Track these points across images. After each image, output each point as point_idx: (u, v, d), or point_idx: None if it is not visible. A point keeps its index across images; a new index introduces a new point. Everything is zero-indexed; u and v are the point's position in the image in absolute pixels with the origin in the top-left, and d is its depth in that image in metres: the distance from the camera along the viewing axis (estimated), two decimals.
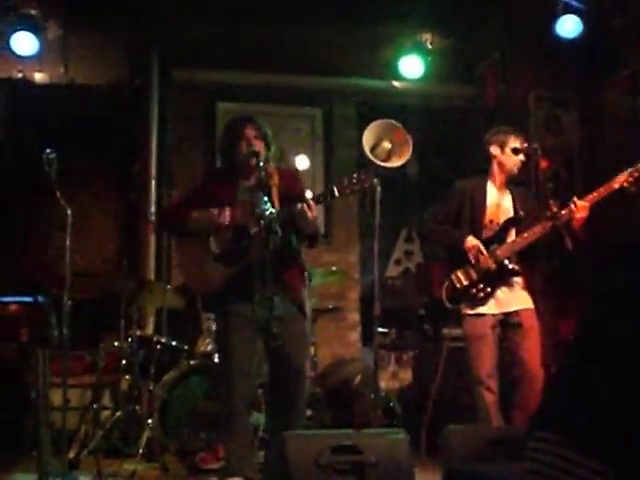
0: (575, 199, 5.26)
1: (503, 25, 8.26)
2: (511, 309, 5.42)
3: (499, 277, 5.42)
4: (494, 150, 5.60)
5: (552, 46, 7.76)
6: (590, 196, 5.26)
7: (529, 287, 5.53)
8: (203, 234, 4.84)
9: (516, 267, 5.40)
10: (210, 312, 5.82)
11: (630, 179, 5.22)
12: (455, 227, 5.60)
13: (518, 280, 5.48)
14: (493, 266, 5.39)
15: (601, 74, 8.17)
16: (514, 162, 5.56)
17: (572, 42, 7.58)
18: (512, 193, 5.61)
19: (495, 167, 5.61)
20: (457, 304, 5.49)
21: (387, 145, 5.66)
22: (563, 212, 5.27)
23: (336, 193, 4.68)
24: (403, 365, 7.71)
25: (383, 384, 7.15)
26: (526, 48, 8.38)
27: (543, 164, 5.92)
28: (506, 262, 5.40)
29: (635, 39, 7.66)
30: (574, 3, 7.45)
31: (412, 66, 8.12)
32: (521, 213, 5.47)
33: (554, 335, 6.23)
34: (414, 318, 7.99)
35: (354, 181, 4.66)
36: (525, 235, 5.39)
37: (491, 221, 5.52)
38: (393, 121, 5.73)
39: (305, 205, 4.60)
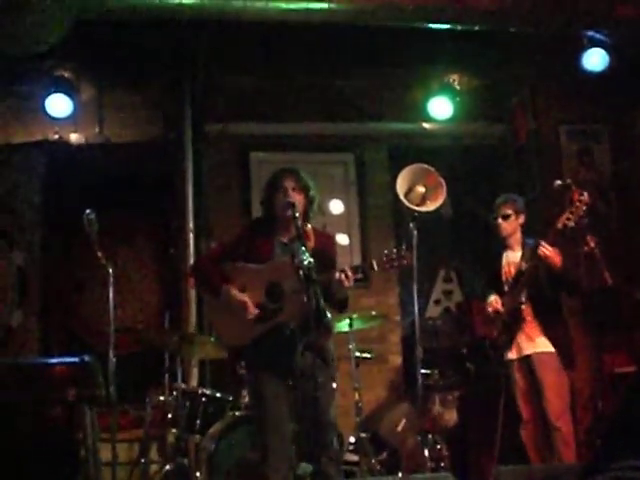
0: (541, 245, 5.68)
1: (530, 61, 8.29)
2: (527, 352, 5.98)
3: (513, 324, 5.98)
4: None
5: (580, 80, 7.78)
6: (548, 240, 5.70)
7: (549, 332, 5.94)
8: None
9: (521, 314, 5.93)
10: (239, 364, 5.85)
11: (569, 216, 5.58)
12: None
13: (534, 326, 5.95)
14: (506, 316, 6.00)
15: (631, 105, 8.18)
16: (495, 227, 6.17)
17: (600, 75, 7.59)
18: (523, 249, 6.06)
19: None
20: (496, 351, 6.14)
21: (421, 189, 5.73)
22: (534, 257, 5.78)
23: (375, 267, 4.76)
24: (448, 406, 7.66)
25: (429, 426, 7.12)
26: (554, 83, 8.42)
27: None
28: (515, 311, 5.95)
29: None
30: (599, 36, 7.46)
31: (441, 107, 8.15)
32: (524, 265, 5.90)
33: (598, 369, 6.21)
34: (456, 358, 7.97)
35: (394, 257, 4.73)
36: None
37: (507, 279, 6.11)
38: (425, 165, 5.79)
39: (343, 275, 4.65)
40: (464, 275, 8.77)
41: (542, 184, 7.78)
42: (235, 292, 4.84)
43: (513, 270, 6.02)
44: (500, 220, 6.07)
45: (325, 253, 4.89)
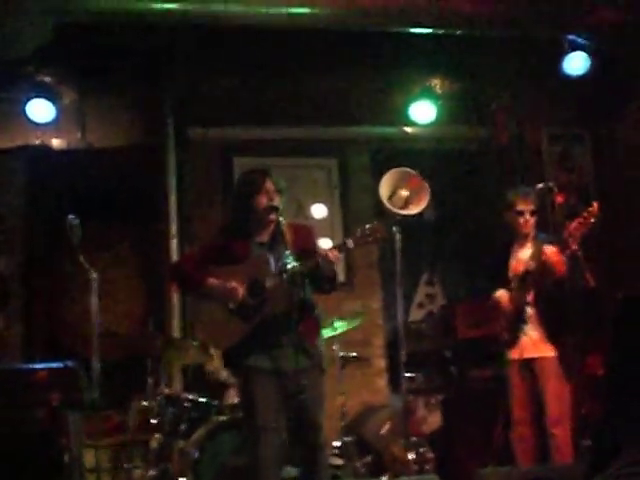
0: (544, 251, 5.68)
1: (511, 65, 8.32)
2: (530, 356, 5.86)
3: (518, 323, 5.86)
4: (505, 213, 6.08)
5: (561, 83, 7.82)
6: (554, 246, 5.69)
7: (552, 334, 5.84)
8: (215, 299, 4.89)
9: (525, 314, 5.85)
10: (229, 367, 5.81)
11: (577, 226, 5.52)
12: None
13: (539, 329, 5.86)
14: (511, 315, 5.89)
15: (612, 108, 8.23)
16: (519, 223, 5.97)
17: (581, 78, 7.63)
18: (534, 245, 5.91)
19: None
20: (500, 348, 6.02)
21: (404, 193, 5.73)
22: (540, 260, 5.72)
23: (350, 245, 4.75)
24: (432, 409, 7.68)
25: (413, 429, 7.13)
26: (536, 86, 8.46)
27: (559, 200, 6.03)
28: (520, 310, 5.85)
29: None
30: (580, 40, 7.50)
31: (423, 111, 8.16)
32: (531, 264, 5.77)
33: (581, 371, 6.23)
34: (440, 361, 8.00)
35: (367, 232, 4.72)
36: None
37: (515, 275, 5.94)
38: (408, 169, 5.79)
39: (328, 253, 4.66)
40: (447, 278, 8.80)
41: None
42: (218, 282, 4.83)
43: (521, 268, 5.90)
44: (528, 216, 5.93)
45: (306, 245, 4.89)
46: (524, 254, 5.97)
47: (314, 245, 5.01)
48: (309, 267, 4.66)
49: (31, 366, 5.03)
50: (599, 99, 8.27)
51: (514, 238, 6.09)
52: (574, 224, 5.51)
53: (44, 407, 4.85)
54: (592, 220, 5.47)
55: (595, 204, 5.55)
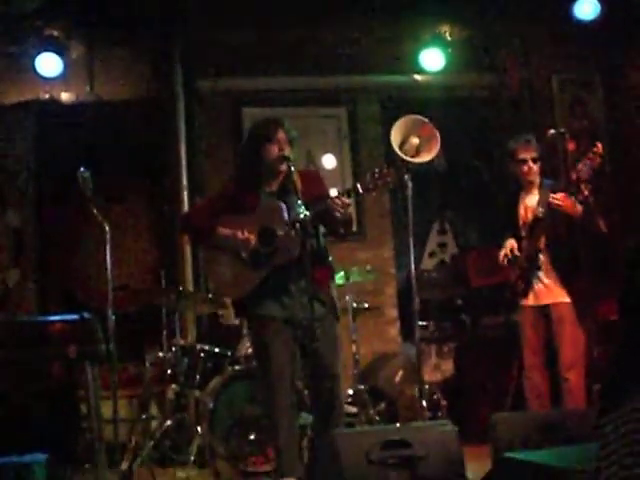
0: (552, 197, 5.61)
1: (521, 11, 8.24)
2: (544, 302, 5.83)
3: (531, 271, 5.82)
4: (508, 161, 6.04)
5: (572, 29, 7.76)
6: (562, 191, 5.63)
7: (566, 280, 5.79)
8: (227, 248, 4.89)
9: (538, 262, 5.80)
10: (242, 317, 5.82)
11: (583, 168, 5.46)
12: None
13: (552, 275, 5.81)
14: (524, 262, 5.84)
15: (623, 53, 8.16)
16: (523, 171, 5.91)
17: (592, 23, 7.57)
18: (540, 193, 5.87)
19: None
20: (515, 297, 5.94)
21: (415, 141, 5.67)
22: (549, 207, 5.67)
23: (360, 190, 4.68)
24: (444, 357, 7.73)
25: (426, 377, 7.18)
26: (546, 32, 8.39)
27: (570, 147, 5.99)
28: (532, 258, 5.82)
29: None
30: None
31: (433, 59, 8.12)
32: (540, 211, 5.74)
33: (593, 317, 6.25)
34: (452, 309, 8.03)
35: (377, 177, 4.65)
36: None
37: (524, 223, 5.92)
38: (420, 116, 5.74)
39: (338, 200, 4.63)
40: (458, 227, 8.81)
41: (535, 134, 7.77)
42: (230, 231, 4.82)
43: (530, 215, 5.86)
44: (531, 164, 5.85)
45: (315, 191, 4.83)
46: (531, 202, 5.92)
47: (322, 189, 4.97)
48: (319, 212, 4.63)
49: (47, 318, 5.05)
50: (610, 44, 8.20)
51: (521, 187, 6.05)
52: (580, 166, 5.47)
53: (61, 359, 4.89)
54: (598, 160, 5.42)
55: (599, 144, 5.50)
